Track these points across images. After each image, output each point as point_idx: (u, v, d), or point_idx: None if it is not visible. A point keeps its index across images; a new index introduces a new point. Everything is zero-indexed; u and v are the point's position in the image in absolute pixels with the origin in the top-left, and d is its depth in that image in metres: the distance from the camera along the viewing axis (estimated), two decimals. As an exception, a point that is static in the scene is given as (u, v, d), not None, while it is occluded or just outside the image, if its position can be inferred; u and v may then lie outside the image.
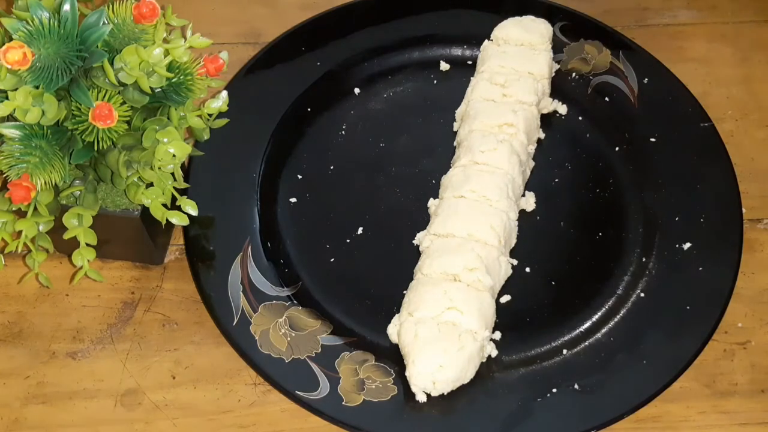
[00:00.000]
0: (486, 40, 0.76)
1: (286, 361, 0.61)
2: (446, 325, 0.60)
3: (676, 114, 0.74)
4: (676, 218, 0.69)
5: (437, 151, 0.73)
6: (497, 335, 0.64)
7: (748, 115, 0.77)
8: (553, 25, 0.77)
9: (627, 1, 0.84)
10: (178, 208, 0.59)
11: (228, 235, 0.67)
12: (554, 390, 0.61)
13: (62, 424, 0.61)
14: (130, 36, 0.55)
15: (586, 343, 0.63)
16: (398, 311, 0.63)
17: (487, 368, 0.62)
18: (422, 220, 0.68)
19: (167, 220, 0.58)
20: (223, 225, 0.67)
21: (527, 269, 0.67)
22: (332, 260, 0.68)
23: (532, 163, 0.72)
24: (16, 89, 0.51)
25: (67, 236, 0.57)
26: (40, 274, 0.58)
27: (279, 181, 0.71)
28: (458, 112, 0.74)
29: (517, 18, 0.76)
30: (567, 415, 0.60)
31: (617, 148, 0.73)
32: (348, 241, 0.69)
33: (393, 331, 0.63)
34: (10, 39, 0.52)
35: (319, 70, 0.76)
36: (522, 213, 0.69)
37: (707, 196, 0.70)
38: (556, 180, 0.72)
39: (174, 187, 0.58)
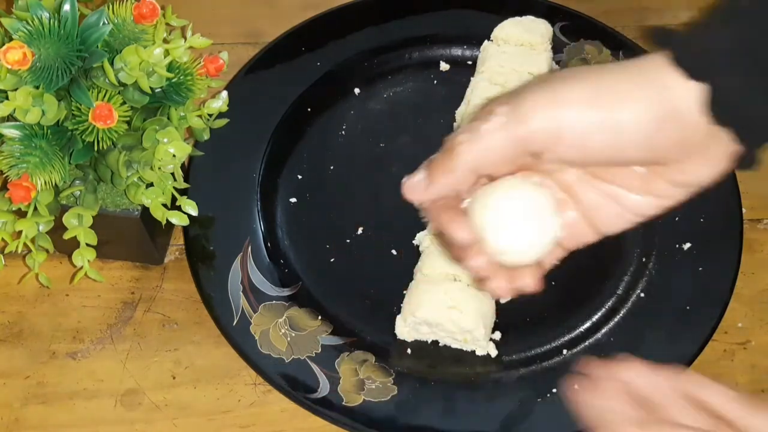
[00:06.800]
0: (486, 40, 0.76)
1: (286, 361, 0.61)
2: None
3: (676, 114, 0.74)
4: (676, 218, 0.68)
5: (437, 151, 0.73)
6: (497, 335, 0.64)
7: (748, 115, 0.76)
8: (553, 25, 0.77)
9: (627, 1, 0.84)
10: (178, 208, 0.59)
11: (228, 235, 0.67)
12: (554, 390, 0.61)
13: (62, 424, 0.61)
14: (130, 36, 0.55)
15: (586, 343, 0.64)
16: (398, 311, 0.63)
17: (486, 368, 0.62)
18: (422, 220, 0.68)
19: (167, 220, 0.58)
20: (223, 225, 0.67)
21: (527, 269, 0.67)
22: (332, 260, 0.68)
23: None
24: (16, 89, 0.51)
25: (67, 236, 0.57)
26: (40, 274, 0.58)
27: (279, 181, 0.71)
28: (458, 112, 0.74)
29: (517, 18, 0.76)
30: (567, 415, 0.60)
31: (617, 148, 0.73)
32: (348, 241, 0.69)
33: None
34: (10, 39, 0.52)
35: (319, 70, 0.76)
36: (522, 213, 0.69)
37: (707, 196, 0.69)
38: (556, 180, 0.72)
39: (174, 187, 0.58)
